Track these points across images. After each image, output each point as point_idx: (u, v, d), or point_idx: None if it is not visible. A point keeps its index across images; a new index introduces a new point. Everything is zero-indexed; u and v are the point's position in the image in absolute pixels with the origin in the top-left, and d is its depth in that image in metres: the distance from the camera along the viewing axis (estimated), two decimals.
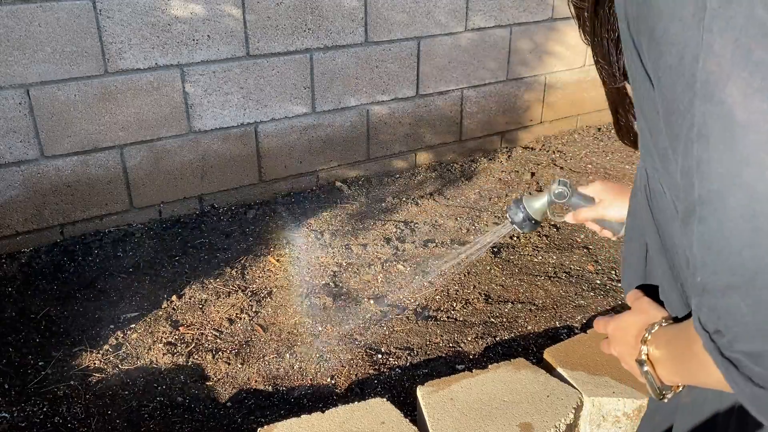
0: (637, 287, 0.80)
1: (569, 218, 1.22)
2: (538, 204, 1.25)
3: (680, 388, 0.72)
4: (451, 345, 2.12)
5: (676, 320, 0.71)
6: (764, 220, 0.46)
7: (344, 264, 2.53)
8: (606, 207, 1.14)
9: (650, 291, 0.78)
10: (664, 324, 0.70)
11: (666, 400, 0.71)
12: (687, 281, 0.71)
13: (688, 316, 0.68)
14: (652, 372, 0.70)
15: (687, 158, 0.51)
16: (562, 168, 3.38)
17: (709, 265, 0.50)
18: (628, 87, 0.74)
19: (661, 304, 0.75)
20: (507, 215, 1.29)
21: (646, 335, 0.71)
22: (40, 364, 2.02)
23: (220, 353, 2.07)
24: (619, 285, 2.43)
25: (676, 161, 0.54)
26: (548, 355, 1.89)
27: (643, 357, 0.70)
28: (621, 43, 0.63)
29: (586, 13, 0.71)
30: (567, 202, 1.21)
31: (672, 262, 0.71)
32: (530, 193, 1.27)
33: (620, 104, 0.78)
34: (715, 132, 0.47)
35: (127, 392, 1.93)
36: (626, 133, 0.80)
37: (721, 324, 0.50)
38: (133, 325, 2.19)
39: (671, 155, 0.56)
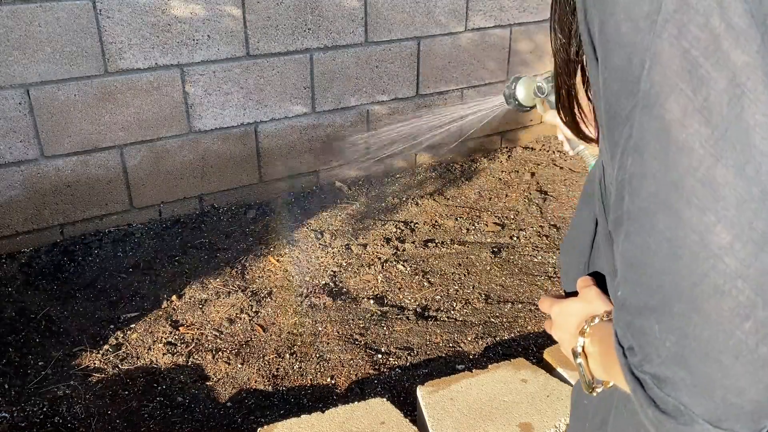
0: (589, 274, 0.78)
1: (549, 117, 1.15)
2: (525, 86, 1.21)
3: (611, 384, 0.70)
4: (451, 345, 2.12)
5: None
6: (686, 248, 0.44)
7: (344, 264, 2.53)
8: None
9: (601, 280, 0.75)
10: (605, 319, 0.68)
11: (595, 394, 0.70)
12: (612, 291, 0.70)
13: None
14: (585, 365, 0.69)
15: (621, 170, 0.49)
16: (561, 168, 3.38)
17: (629, 282, 0.49)
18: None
19: (608, 295, 0.73)
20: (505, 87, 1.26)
21: (586, 327, 0.69)
22: (40, 364, 2.02)
23: (220, 353, 2.07)
24: None
25: (613, 168, 0.51)
26: (548, 355, 1.90)
27: (579, 349, 0.69)
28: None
29: None
30: (546, 98, 1.17)
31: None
32: (535, 76, 1.23)
33: (566, 79, 0.72)
34: (651, 148, 0.45)
35: (127, 392, 1.93)
36: (567, 111, 0.74)
37: (635, 342, 0.49)
38: (133, 325, 2.19)
39: (609, 161, 0.53)
